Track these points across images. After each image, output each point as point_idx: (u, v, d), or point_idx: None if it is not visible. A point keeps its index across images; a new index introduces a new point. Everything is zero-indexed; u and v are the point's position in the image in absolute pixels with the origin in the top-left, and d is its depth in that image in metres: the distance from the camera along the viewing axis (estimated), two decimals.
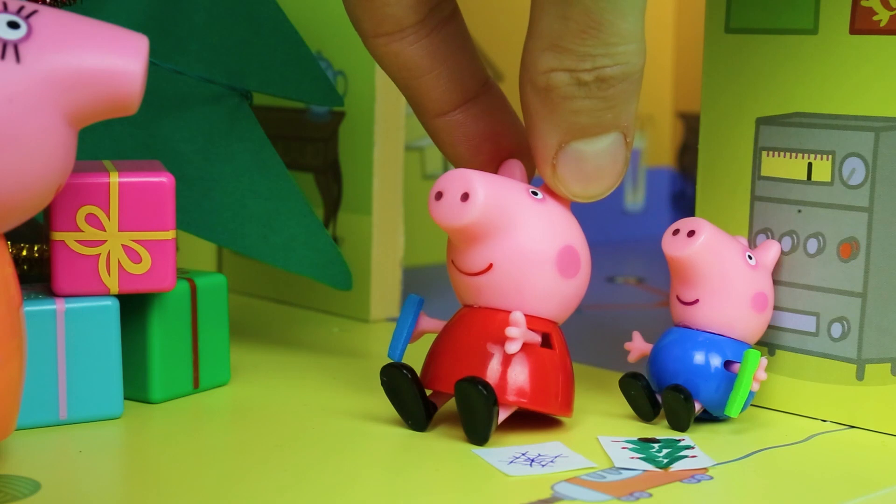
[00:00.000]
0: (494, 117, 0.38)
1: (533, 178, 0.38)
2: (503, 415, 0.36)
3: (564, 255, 0.36)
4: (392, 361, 0.37)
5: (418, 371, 0.37)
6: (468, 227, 0.35)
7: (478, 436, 0.35)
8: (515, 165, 0.37)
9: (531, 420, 0.37)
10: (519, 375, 0.36)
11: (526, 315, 0.35)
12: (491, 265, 0.36)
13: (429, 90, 0.37)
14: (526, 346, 0.36)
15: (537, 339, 0.36)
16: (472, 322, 0.36)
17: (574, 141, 0.35)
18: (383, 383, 0.37)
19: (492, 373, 0.36)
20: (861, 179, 0.37)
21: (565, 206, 0.37)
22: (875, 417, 0.38)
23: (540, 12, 0.33)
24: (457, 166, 0.38)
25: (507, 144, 0.38)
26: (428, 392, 0.37)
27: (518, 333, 0.35)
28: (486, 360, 0.36)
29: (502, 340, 0.35)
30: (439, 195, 0.35)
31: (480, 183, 0.35)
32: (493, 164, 0.38)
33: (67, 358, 0.36)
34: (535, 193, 0.36)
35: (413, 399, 0.36)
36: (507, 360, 0.36)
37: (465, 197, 0.35)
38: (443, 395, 0.37)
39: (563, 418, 0.38)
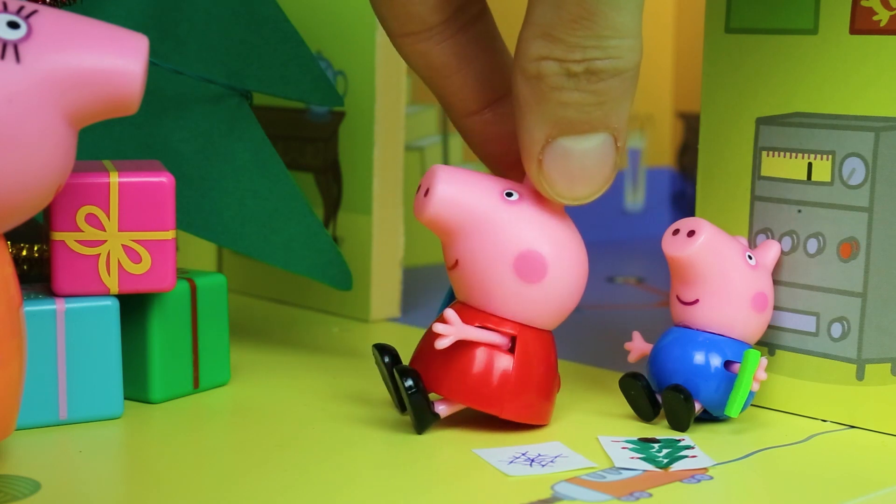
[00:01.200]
0: None
1: None
2: (446, 410, 0.36)
3: (525, 259, 0.35)
4: (380, 342, 0.38)
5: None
6: (430, 222, 0.35)
7: (413, 425, 0.36)
8: None
9: None
10: (460, 373, 0.36)
11: (493, 316, 0.36)
12: (457, 261, 0.36)
13: (457, 89, 0.37)
14: (481, 346, 0.36)
15: (497, 340, 0.36)
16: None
17: (561, 137, 0.34)
18: (375, 362, 0.37)
19: (438, 367, 0.36)
20: (861, 179, 0.37)
21: (550, 209, 0.36)
22: (875, 417, 0.37)
23: (535, 0, 0.33)
24: (487, 165, 0.39)
25: None
26: None
27: (445, 330, 0.35)
28: (436, 354, 0.36)
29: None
30: (418, 188, 0.36)
31: (442, 180, 0.35)
32: (522, 164, 0.37)
33: (67, 358, 0.36)
34: (509, 195, 0.36)
35: (390, 380, 0.37)
36: (455, 356, 0.36)
37: (426, 192, 0.35)
38: None
39: (563, 418, 0.38)
